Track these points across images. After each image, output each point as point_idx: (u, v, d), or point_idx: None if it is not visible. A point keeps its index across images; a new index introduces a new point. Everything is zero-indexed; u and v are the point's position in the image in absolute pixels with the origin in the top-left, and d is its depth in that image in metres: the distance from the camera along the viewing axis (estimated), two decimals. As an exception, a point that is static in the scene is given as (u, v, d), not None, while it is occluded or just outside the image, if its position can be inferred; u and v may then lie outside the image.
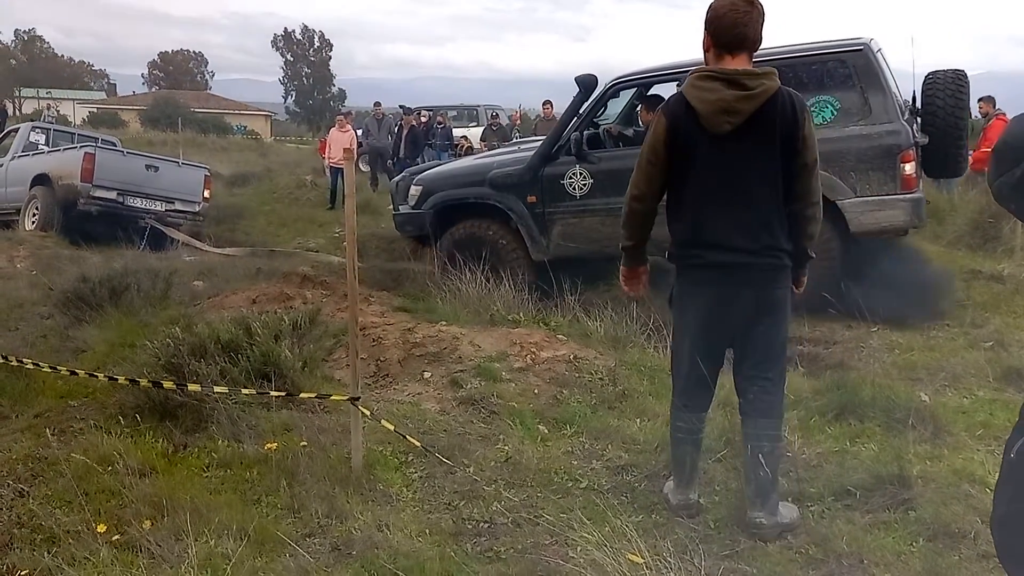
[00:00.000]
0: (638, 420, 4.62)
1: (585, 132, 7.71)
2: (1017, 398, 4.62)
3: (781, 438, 3.49)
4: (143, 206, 13.17)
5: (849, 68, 7.04)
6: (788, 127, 3.20)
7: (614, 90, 7.85)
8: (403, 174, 10.54)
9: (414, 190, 8.68)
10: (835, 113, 7.06)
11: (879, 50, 7.17)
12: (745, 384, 3.42)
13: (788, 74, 7.11)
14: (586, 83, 7.79)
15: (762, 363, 3.38)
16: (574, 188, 7.66)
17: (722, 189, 3.27)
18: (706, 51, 3.31)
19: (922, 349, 5.62)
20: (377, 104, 21.72)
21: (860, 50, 7.06)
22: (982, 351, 5.64)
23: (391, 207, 9.61)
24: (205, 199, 14.14)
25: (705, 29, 3.28)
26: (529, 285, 7.29)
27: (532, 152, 8.17)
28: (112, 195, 12.85)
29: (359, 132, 20.74)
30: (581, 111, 7.85)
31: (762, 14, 3.24)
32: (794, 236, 3.34)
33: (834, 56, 7.18)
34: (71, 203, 12.54)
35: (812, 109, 6.94)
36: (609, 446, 4.29)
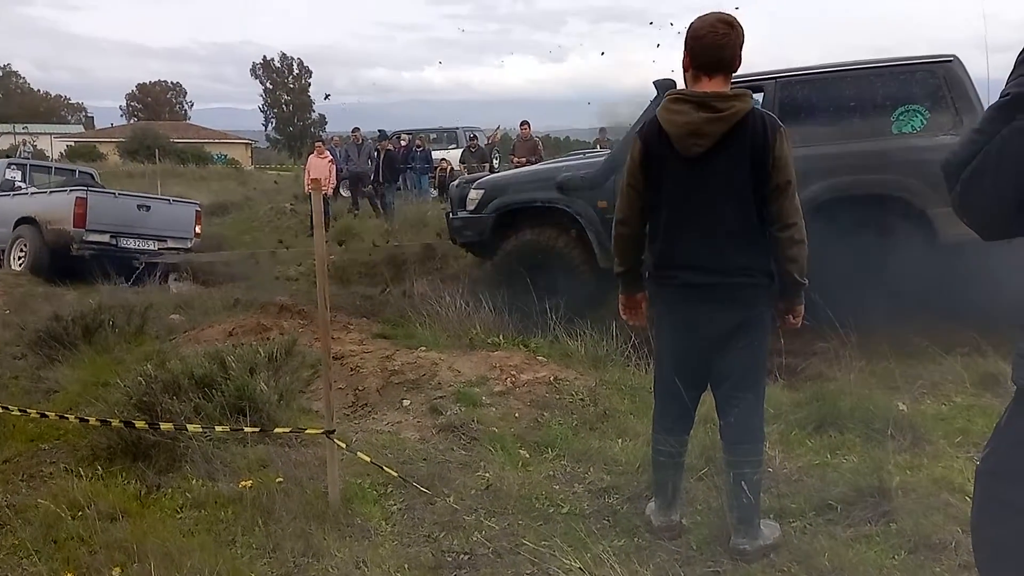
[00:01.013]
0: (620, 440, 4.59)
1: None
2: (994, 403, 4.63)
3: (762, 462, 3.46)
4: (136, 246, 13.11)
5: (940, 79, 7.09)
6: (759, 149, 3.18)
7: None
8: (459, 179, 10.42)
9: (474, 194, 8.54)
10: (925, 123, 7.09)
11: None
12: (724, 406, 3.40)
13: (877, 84, 7.29)
14: (665, 87, 7.72)
15: (740, 384, 3.35)
16: None
17: (695, 211, 3.27)
18: (685, 71, 3.32)
19: (899, 357, 5.62)
20: (356, 129, 21.72)
21: (950, 62, 7.13)
22: (958, 357, 5.64)
23: (446, 212, 9.45)
24: (197, 235, 14.12)
25: (684, 49, 3.28)
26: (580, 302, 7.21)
27: (602, 158, 8.11)
28: (105, 238, 12.82)
29: (339, 157, 20.75)
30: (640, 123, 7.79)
31: (741, 36, 3.24)
32: (776, 261, 3.30)
33: (925, 67, 7.24)
34: (63, 248, 12.48)
35: (901, 118, 7.11)
36: (591, 468, 4.26)
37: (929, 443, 4.24)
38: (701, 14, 3.29)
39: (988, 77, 7.25)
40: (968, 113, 6.81)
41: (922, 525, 3.33)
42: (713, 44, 3.20)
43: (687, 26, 3.28)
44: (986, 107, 1.77)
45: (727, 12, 3.27)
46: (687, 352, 3.39)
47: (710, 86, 3.23)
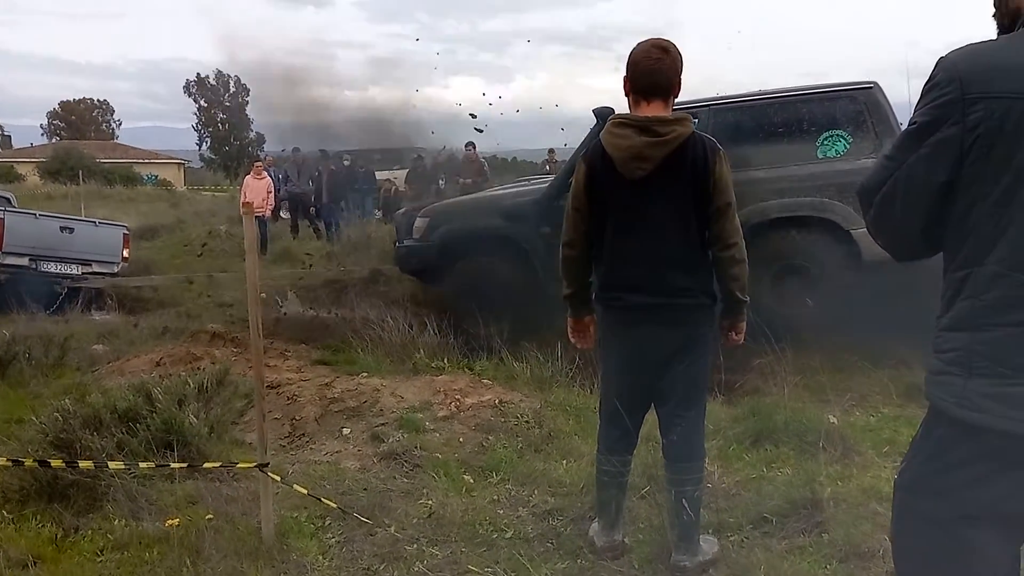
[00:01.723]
0: (564, 462, 4.62)
1: None
2: (919, 413, 4.73)
3: (703, 479, 3.52)
4: (58, 271, 12.66)
5: (861, 105, 7.40)
6: (700, 171, 3.24)
7: None
8: (404, 208, 10.35)
9: (420, 222, 8.55)
10: (848, 147, 7.38)
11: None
12: (667, 424, 3.46)
13: (803, 110, 7.62)
14: (603, 115, 7.81)
15: (682, 403, 3.41)
16: None
17: (638, 233, 3.32)
18: (626, 96, 3.37)
19: (829, 371, 5.76)
20: (296, 149, 21.48)
21: (871, 88, 7.46)
22: (885, 370, 5.82)
23: (395, 241, 9.43)
24: (124, 259, 13.67)
25: (625, 75, 3.33)
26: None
27: (546, 185, 8.20)
28: (24, 261, 12.31)
29: (280, 178, 20.51)
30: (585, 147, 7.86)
31: (677, 60, 3.30)
32: (719, 280, 3.37)
33: (847, 94, 7.56)
34: None
35: (825, 143, 7.38)
36: (535, 491, 4.26)
37: (858, 454, 4.38)
38: (641, 40, 3.36)
39: (910, 101, 7.55)
40: (888, 137, 7.14)
41: (852, 535, 3.42)
42: (648, 69, 3.26)
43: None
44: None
45: (663, 38, 3.34)
46: (632, 373, 3.44)
47: (649, 110, 3.28)
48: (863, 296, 6.60)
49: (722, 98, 7.91)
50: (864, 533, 3.41)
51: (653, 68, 3.26)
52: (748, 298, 3.42)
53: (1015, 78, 1.59)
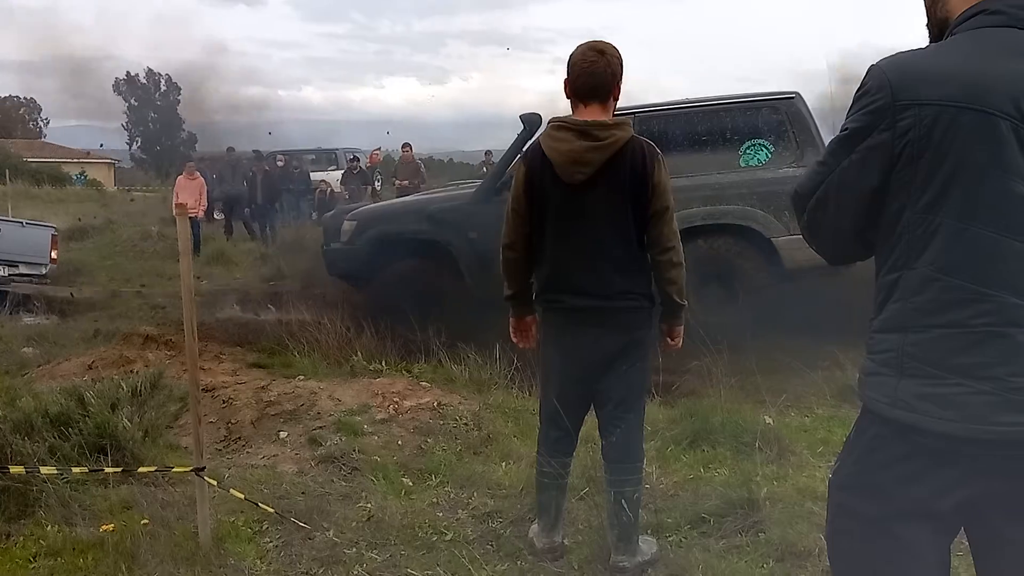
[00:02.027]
0: (503, 464, 4.62)
1: None
2: (852, 414, 4.85)
3: (642, 480, 3.55)
4: None
5: (783, 115, 7.53)
6: (639, 176, 3.25)
7: None
8: (334, 210, 10.27)
9: (347, 226, 8.52)
10: (770, 156, 7.50)
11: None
12: (607, 426, 3.47)
13: (726, 119, 7.71)
14: (531, 121, 7.84)
15: (622, 404, 3.42)
16: None
17: (578, 236, 3.32)
18: (567, 98, 3.37)
19: (765, 372, 5.85)
20: (230, 149, 21.15)
21: (792, 98, 7.59)
22: (819, 371, 5.94)
23: (323, 244, 9.35)
24: (52, 260, 13.32)
25: (564, 79, 3.34)
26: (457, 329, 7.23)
27: (473, 189, 8.22)
28: None
29: (214, 178, 20.15)
30: (525, 148, 7.86)
31: (614, 63, 3.29)
32: (657, 283, 3.39)
33: (770, 104, 7.68)
34: None
35: (747, 152, 7.48)
36: (475, 494, 4.26)
37: (793, 454, 4.44)
38: (578, 43, 3.35)
39: (831, 108, 7.79)
40: (809, 147, 7.35)
41: (788, 534, 3.47)
42: (584, 72, 3.26)
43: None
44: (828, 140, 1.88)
45: (602, 40, 3.34)
46: (572, 374, 3.45)
47: (587, 114, 3.29)
48: (784, 302, 6.80)
49: (647, 106, 8.02)
50: (800, 532, 3.46)
51: (590, 71, 3.26)
52: (686, 302, 3.46)
53: (943, 85, 1.63)
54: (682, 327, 3.54)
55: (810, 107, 7.73)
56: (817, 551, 3.29)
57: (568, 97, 3.36)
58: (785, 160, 7.45)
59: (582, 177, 3.25)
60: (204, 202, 17.83)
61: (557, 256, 3.37)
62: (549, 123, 3.38)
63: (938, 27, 1.81)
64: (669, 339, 3.54)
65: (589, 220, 3.30)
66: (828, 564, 1.93)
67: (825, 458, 4.33)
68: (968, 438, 1.61)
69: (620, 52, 3.33)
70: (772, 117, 7.63)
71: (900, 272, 1.70)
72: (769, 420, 4.72)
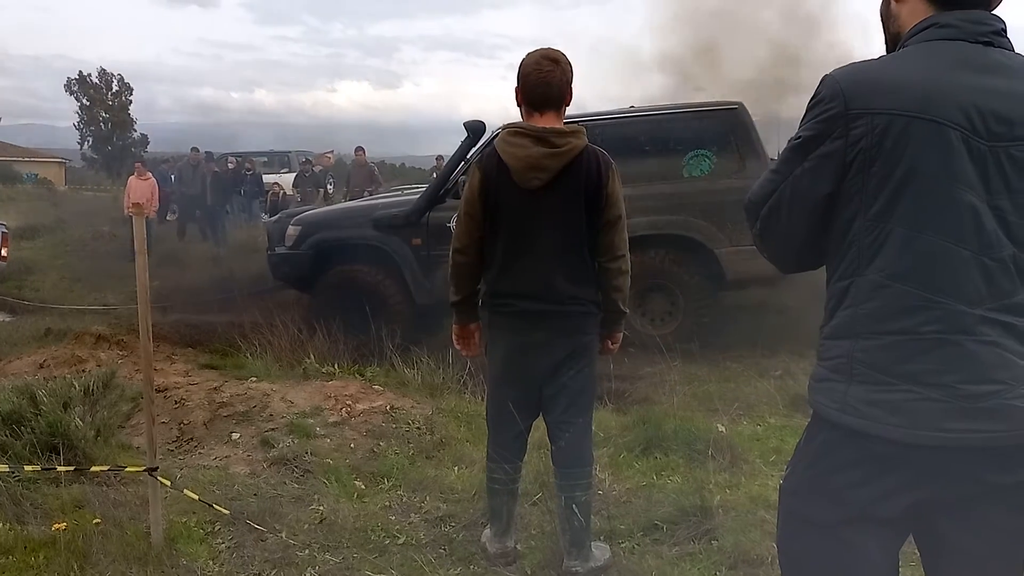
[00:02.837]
0: (456, 468, 4.62)
1: None
2: (804, 423, 4.93)
3: (592, 484, 3.55)
4: None
5: (726, 125, 7.56)
6: (593, 184, 3.28)
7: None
8: (279, 214, 10.20)
9: (292, 231, 8.49)
10: (712, 166, 7.52)
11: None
12: (555, 431, 3.47)
13: (670, 129, 7.72)
14: (475, 128, 7.86)
15: (570, 409, 3.43)
16: None
17: (530, 240, 3.33)
18: (518, 105, 3.39)
19: (718, 381, 5.94)
20: (194, 149, 20.89)
21: (736, 109, 7.62)
22: (772, 380, 6.00)
23: (267, 248, 9.31)
24: (3, 258, 13.09)
25: (516, 87, 3.35)
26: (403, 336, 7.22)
27: (417, 195, 8.19)
28: None
29: (172, 178, 19.87)
30: (469, 156, 7.88)
31: (567, 71, 3.31)
32: (602, 289, 3.41)
33: (713, 114, 7.71)
34: None
35: (691, 162, 7.48)
36: (427, 497, 4.25)
37: (746, 462, 4.48)
38: (530, 50, 3.37)
39: (780, 118, 7.90)
40: (751, 158, 7.40)
41: (741, 542, 3.50)
42: (539, 81, 3.28)
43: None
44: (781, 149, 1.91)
45: (553, 48, 3.36)
46: (520, 379, 3.45)
47: (543, 121, 3.31)
48: (726, 313, 6.87)
49: (592, 114, 8.03)
50: (753, 540, 3.50)
51: (544, 80, 3.28)
52: (628, 310, 3.52)
53: (896, 95, 1.66)
54: (621, 334, 3.59)
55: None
56: (770, 559, 3.32)
57: (519, 105, 3.38)
58: (728, 171, 7.50)
59: (538, 183, 3.27)
60: (156, 202, 17.59)
61: (509, 260, 3.38)
62: (505, 129, 3.39)
63: (892, 42, 1.85)
64: (610, 343, 3.57)
65: (542, 225, 3.32)
66: (780, 572, 1.95)
67: (777, 467, 4.38)
68: (916, 444, 1.63)
69: (569, 59, 3.36)
70: (716, 127, 7.67)
71: (851, 279, 1.71)
72: (722, 428, 4.76)
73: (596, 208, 3.30)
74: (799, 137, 1.77)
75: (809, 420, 1.84)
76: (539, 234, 3.32)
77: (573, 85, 3.36)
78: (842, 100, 1.69)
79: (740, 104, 7.74)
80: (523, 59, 3.35)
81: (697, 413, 5.11)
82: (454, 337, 3.70)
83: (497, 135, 7.67)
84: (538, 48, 3.36)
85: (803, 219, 1.78)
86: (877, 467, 1.68)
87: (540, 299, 3.33)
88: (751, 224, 1.90)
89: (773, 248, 1.90)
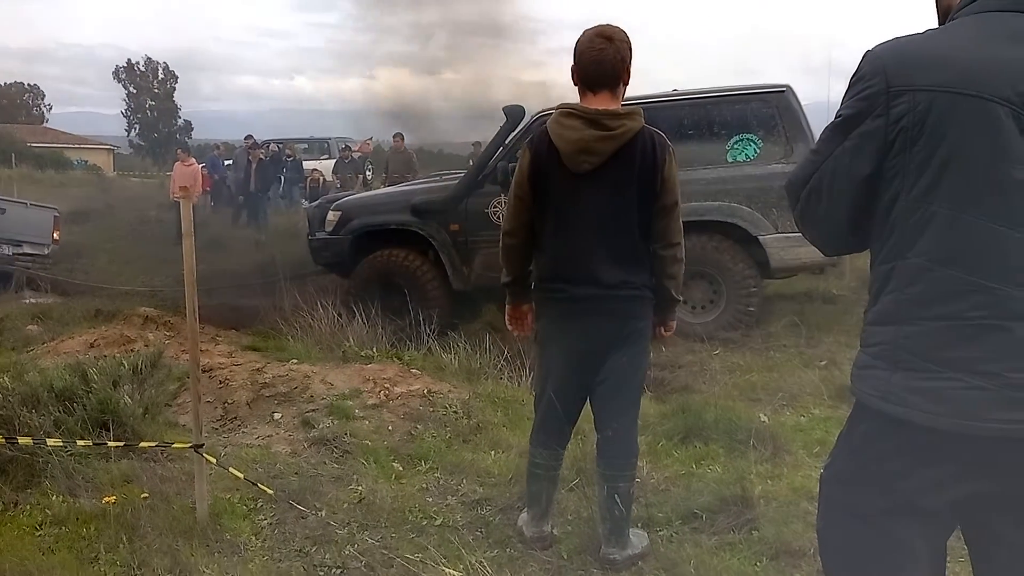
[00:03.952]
0: (492, 453, 4.63)
1: (511, 162, 7.65)
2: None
3: (635, 475, 3.51)
4: None
5: (773, 109, 7.39)
6: (648, 168, 3.19)
7: (540, 122, 7.58)
8: (320, 200, 10.33)
9: (332, 216, 8.59)
10: (758, 151, 7.39)
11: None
12: (603, 420, 3.41)
13: (714, 113, 7.55)
14: (513, 113, 7.84)
15: (619, 397, 3.38)
16: (499, 217, 7.66)
17: (581, 225, 3.26)
18: (575, 86, 3.29)
19: (761, 370, 5.85)
20: (248, 137, 21.17)
21: (783, 92, 7.47)
22: (816, 370, 5.91)
23: (308, 234, 9.42)
24: (55, 241, 13.45)
25: (572, 65, 3.25)
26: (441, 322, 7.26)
27: (456, 181, 8.20)
28: None
29: (224, 164, 20.18)
30: (507, 141, 7.88)
31: (622, 49, 3.20)
32: (655, 276, 3.34)
33: (759, 97, 7.56)
34: None
35: (736, 146, 7.35)
36: (464, 480, 4.27)
37: (789, 453, 4.42)
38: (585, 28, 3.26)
39: (828, 101, 7.74)
40: (799, 142, 7.21)
41: (783, 532, 3.46)
42: (592, 60, 3.18)
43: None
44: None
45: (610, 25, 3.25)
46: (570, 365, 3.39)
47: (596, 102, 3.21)
48: (769, 301, 6.73)
49: (632, 98, 7.94)
50: (795, 532, 3.45)
51: (597, 58, 3.18)
52: (682, 297, 3.46)
53: (938, 71, 1.60)
54: (675, 321, 3.54)
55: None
56: (812, 551, 3.25)
57: (576, 84, 3.28)
58: (774, 155, 7.37)
59: (589, 167, 3.19)
60: (199, 187, 17.86)
61: (558, 245, 3.32)
62: (558, 109, 3.30)
63: (943, 16, 1.79)
64: (663, 330, 3.52)
65: (592, 210, 3.24)
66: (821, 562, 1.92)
67: (821, 458, 4.21)
68: (962, 434, 1.58)
69: (628, 36, 3.25)
70: (762, 111, 7.52)
71: (894, 263, 1.67)
72: (764, 418, 4.71)
73: (651, 193, 3.22)
74: (840, 116, 1.72)
75: (852, 407, 1.81)
76: (589, 218, 3.24)
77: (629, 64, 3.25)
78: (883, 77, 1.64)
79: (788, 87, 7.59)
80: (579, 37, 3.25)
81: (738, 402, 5.06)
82: (507, 317, 3.67)
83: (536, 120, 7.74)
84: (593, 26, 3.26)
85: (844, 200, 1.74)
86: (920, 457, 1.65)
87: (590, 284, 3.26)
88: (792, 206, 1.86)
89: (814, 230, 1.86)
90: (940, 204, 1.60)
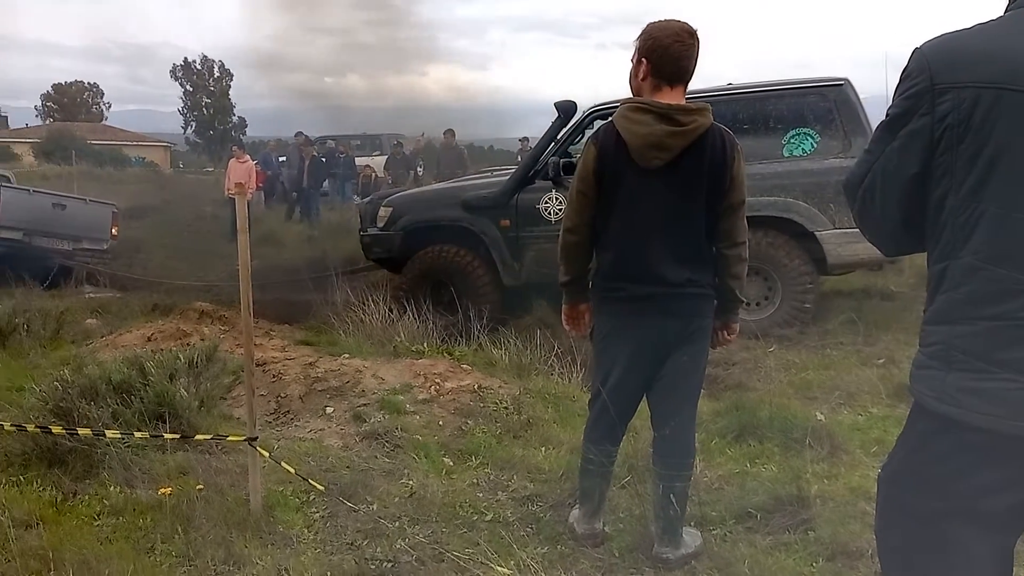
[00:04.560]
0: (543, 449, 4.61)
1: (562, 158, 7.61)
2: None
3: (691, 475, 3.46)
4: (50, 245, 12.65)
5: (831, 103, 7.29)
6: (718, 165, 3.14)
7: (591, 118, 7.75)
8: (371, 196, 10.44)
9: (383, 212, 8.66)
10: (815, 146, 7.29)
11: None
12: (660, 419, 3.37)
13: (770, 107, 7.45)
14: (565, 109, 7.83)
15: (677, 396, 3.34)
16: (549, 213, 7.68)
17: (647, 222, 3.20)
18: (641, 80, 3.21)
19: (817, 368, 5.75)
20: (299, 134, 21.45)
21: (841, 85, 7.35)
22: (874, 369, 5.79)
23: (360, 230, 9.53)
24: (113, 237, 13.75)
25: (644, 58, 3.17)
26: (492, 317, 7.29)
27: (507, 177, 8.21)
28: (18, 235, 12.33)
29: (277, 160, 20.47)
30: (559, 137, 7.88)
31: (698, 47, 3.17)
32: (719, 276, 3.29)
33: (816, 91, 7.44)
34: None
35: (792, 141, 7.25)
36: (514, 476, 4.26)
37: (846, 453, 4.34)
38: (654, 21, 3.21)
39: (886, 94, 7.56)
40: (858, 136, 7.06)
41: (840, 533, 3.40)
42: (679, 55, 3.12)
43: (643, 34, 3.19)
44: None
45: (681, 20, 3.19)
46: (629, 364, 3.34)
47: (671, 97, 3.16)
48: (826, 298, 6.58)
49: (688, 94, 7.83)
50: (852, 532, 3.39)
51: (685, 54, 3.12)
52: (746, 299, 3.40)
53: (984, 66, 1.57)
54: (738, 324, 3.48)
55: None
56: (870, 552, 3.20)
57: (645, 78, 3.19)
58: (831, 150, 7.24)
59: (659, 163, 3.12)
60: (253, 184, 18.13)
61: (623, 242, 3.26)
62: (624, 104, 3.23)
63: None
64: (726, 333, 3.47)
65: (661, 207, 3.18)
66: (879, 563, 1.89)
67: (879, 458, 4.15)
68: (1017, 436, 1.56)
69: None
70: (819, 105, 7.39)
71: (946, 262, 1.65)
72: (821, 417, 4.62)
73: (719, 191, 3.17)
74: (888, 114, 1.71)
75: (911, 407, 1.79)
76: (656, 216, 3.19)
77: None
78: (928, 74, 1.62)
79: (846, 80, 7.44)
80: (652, 31, 3.17)
81: (794, 401, 4.97)
82: (563, 316, 3.62)
83: (588, 115, 7.68)
84: (666, 19, 3.20)
85: (895, 200, 1.73)
86: (977, 459, 1.62)
87: (656, 283, 3.21)
88: (851, 205, 1.86)
89: (871, 230, 1.85)
90: (989, 202, 1.58)
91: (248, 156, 18.83)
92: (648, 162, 3.14)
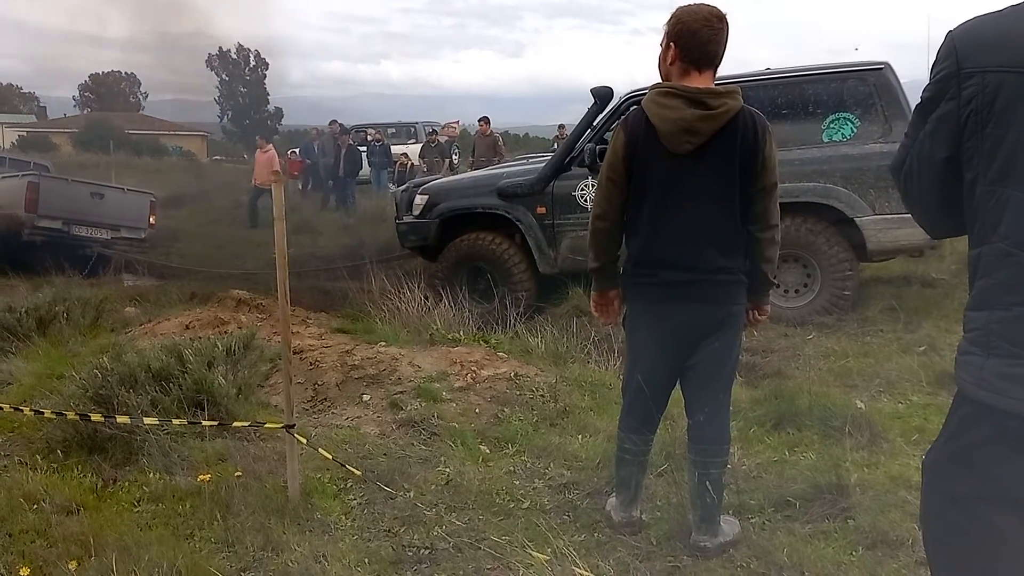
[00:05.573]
0: (580, 437, 4.60)
1: (599, 145, 7.52)
2: (950, 401, 4.70)
3: (727, 462, 3.45)
4: (89, 235, 12.84)
5: (871, 87, 7.20)
6: (748, 149, 3.11)
7: (628, 104, 7.64)
8: (407, 184, 10.51)
9: (419, 200, 8.69)
10: (855, 130, 7.20)
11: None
12: (694, 405, 3.35)
13: (809, 91, 7.36)
14: (602, 95, 7.80)
15: (711, 383, 3.31)
16: (585, 200, 7.66)
17: (677, 208, 3.17)
18: (670, 64, 3.18)
19: (856, 356, 5.69)
20: (333, 122, 21.56)
21: (881, 69, 7.25)
22: (915, 356, 5.72)
23: (395, 218, 9.59)
24: (151, 225, 13.93)
25: (672, 42, 3.14)
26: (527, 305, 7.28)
27: (543, 164, 8.19)
28: (57, 224, 12.54)
29: (317, 150, 20.61)
30: (595, 123, 7.86)
31: (728, 32, 3.15)
32: (751, 259, 3.26)
33: (856, 75, 7.35)
34: (13, 233, 12.17)
35: (832, 126, 7.17)
36: (551, 464, 4.26)
37: (886, 441, 4.29)
38: (683, 5, 3.17)
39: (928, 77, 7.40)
40: (898, 120, 6.95)
41: (880, 522, 3.36)
42: (708, 39, 3.10)
43: (672, 18, 3.16)
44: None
45: (709, 4, 3.16)
46: (662, 351, 3.32)
47: (700, 81, 3.13)
48: (866, 285, 6.48)
49: (724, 78, 7.76)
50: (892, 521, 3.35)
51: (715, 38, 3.10)
52: (777, 281, 3.37)
53: (1007, 50, 1.55)
54: (769, 306, 3.47)
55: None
56: (911, 541, 3.19)
57: (674, 63, 3.16)
58: (872, 135, 7.14)
59: (690, 147, 3.11)
60: (281, 175, 18.26)
61: (654, 228, 3.23)
62: (654, 89, 3.20)
63: None
64: (758, 314, 3.44)
65: (692, 192, 3.16)
66: (923, 554, 1.87)
67: (920, 447, 4.15)
68: None
69: None
70: (859, 89, 7.29)
71: (980, 247, 1.64)
72: (861, 405, 4.58)
73: (751, 174, 3.14)
74: (920, 99, 1.71)
75: (955, 394, 1.76)
76: (687, 201, 3.16)
77: None
78: (955, 59, 1.61)
79: (886, 64, 7.32)
80: (681, 15, 3.14)
81: (833, 388, 4.92)
82: (592, 304, 3.61)
83: (625, 101, 7.61)
84: (695, 3, 3.16)
85: (931, 184, 1.73)
86: (1015, 445, 1.61)
87: (687, 269, 3.19)
88: (897, 189, 1.86)
89: (916, 213, 1.86)
90: (1015, 188, 1.57)
91: (271, 146, 18.97)
92: (679, 147, 3.12)
